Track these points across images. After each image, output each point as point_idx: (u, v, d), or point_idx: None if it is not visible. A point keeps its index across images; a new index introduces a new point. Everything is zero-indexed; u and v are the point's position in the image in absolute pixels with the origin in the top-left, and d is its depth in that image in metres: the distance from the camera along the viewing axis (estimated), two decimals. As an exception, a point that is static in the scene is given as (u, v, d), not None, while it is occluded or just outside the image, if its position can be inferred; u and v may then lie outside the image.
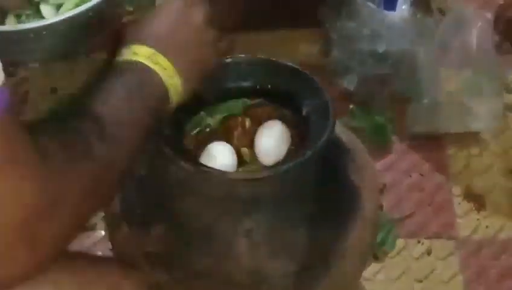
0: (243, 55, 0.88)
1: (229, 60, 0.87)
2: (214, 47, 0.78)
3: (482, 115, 1.14)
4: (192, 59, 0.75)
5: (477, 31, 1.16)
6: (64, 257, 0.59)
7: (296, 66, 0.86)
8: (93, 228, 1.08)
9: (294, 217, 0.80)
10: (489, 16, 1.20)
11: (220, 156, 0.82)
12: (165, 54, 0.71)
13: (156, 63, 0.70)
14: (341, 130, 0.89)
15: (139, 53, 0.70)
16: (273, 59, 0.88)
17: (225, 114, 0.86)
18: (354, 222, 0.82)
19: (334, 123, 0.79)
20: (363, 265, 0.89)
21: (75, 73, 1.28)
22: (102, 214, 1.00)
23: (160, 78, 0.70)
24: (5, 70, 1.25)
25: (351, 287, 0.89)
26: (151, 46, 0.71)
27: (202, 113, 0.86)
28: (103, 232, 1.07)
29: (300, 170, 0.77)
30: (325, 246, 0.80)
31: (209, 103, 0.87)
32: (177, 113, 0.81)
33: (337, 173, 0.85)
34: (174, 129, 0.81)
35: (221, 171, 0.78)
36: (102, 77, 0.70)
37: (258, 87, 0.87)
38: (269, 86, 0.87)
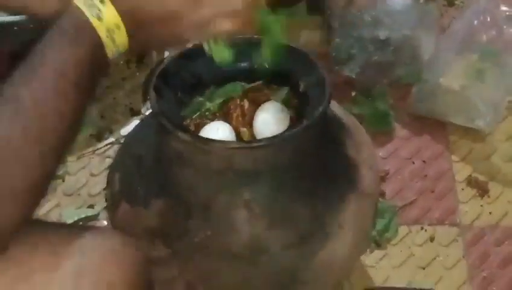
0: (238, 37, 0.88)
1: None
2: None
3: (483, 110, 1.13)
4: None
5: (483, 15, 1.15)
6: (60, 226, 0.58)
7: (293, 45, 0.86)
8: (95, 219, 1.08)
9: (293, 188, 0.80)
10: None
11: (219, 132, 0.82)
12: None
13: (91, 6, 0.61)
14: (340, 112, 0.89)
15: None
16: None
17: (224, 98, 0.86)
18: (351, 194, 0.82)
19: (330, 97, 0.79)
20: (363, 239, 0.89)
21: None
22: (104, 204, 1.01)
23: (88, 22, 0.61)
24: (6, 61, 1.25)
25: (351, 261, 0.89)
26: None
27: (201, 98, 0.86)
28: (105, 223, 1.07)
29: (298, 140, 0.77)
30: (323, 217, 0.80)
31: (207, 86, 0.87)
32: (176, 95, 0.82)
33: (335, 148, 0.85)
34: (174, 108, 0.81)
35: (220, 141, 0.78)
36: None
37: (255, 67, 0.87)
38: (266, 66, 0.87)
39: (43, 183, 0.58)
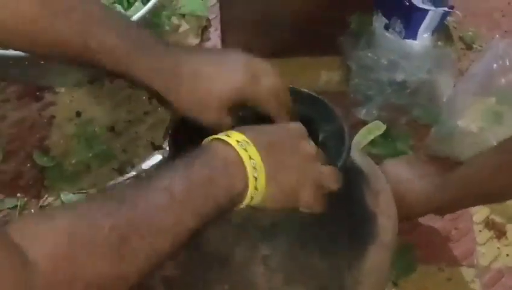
0: None
1: None
2: (318, 184, 0.72)
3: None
4: (285, 169, 0.69)
5: (502, 59, 1.17)
6: None
7: (312, 92, 0.87)
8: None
9: (311, 243, 0.80)
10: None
11: None
12: (258, 149, 0.66)
13: (245, 149, 0.65)
14: (357, 155, 0.90)
15: (232, 136, 0.66)
16: (289, 85, 0.89)
17: None
18: (370, 247, 0.82)
19: (350, 148, 0.80)
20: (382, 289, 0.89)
21: (99, 98, 1.30)
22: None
23: (242, 165, 0.65)
24: (32, 94, 1.28)
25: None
26: (248, 138, 0.66)
27: None
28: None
29: None
30: (341, 272, 0.80)
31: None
32: (194, 142, 0.83)
33: (352, 198, 0.85)
34: None
35: None
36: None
37: None
38: None
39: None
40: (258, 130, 0.70)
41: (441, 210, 1.03)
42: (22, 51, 0.84)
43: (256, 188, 0.66)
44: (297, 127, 0.73)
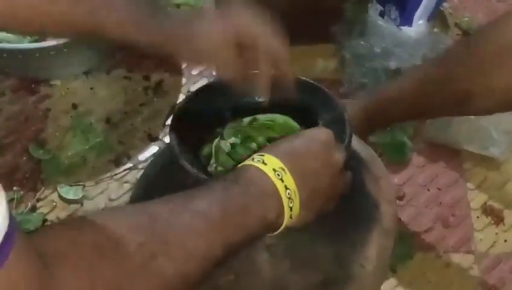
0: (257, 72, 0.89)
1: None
2: (340, 193, 0.74)
3: (499, 140, 1.13)
4: (318, 193, 0.70)
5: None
6: None
7: (310, 80, 0.87)
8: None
9: (315, 229, 0.80)
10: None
11: None
12: (293, 176, 0.65)
13: (281, 179, 0.65)
14: (356, 144, 0.90)
15: (268, 163, 0.65)
16: None
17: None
18: (373, 232, 0.83)
19: (351, 137, 0.80)
20: (383, 275, 0.89)
21: (95, 90, 1.30)
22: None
23: (278, 196, 0.64)
24: (27, 87, 1.28)
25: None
26: (283, 163, 0.66)
27: (219, 130, 0.87)
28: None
29: None
30: (346, 257, 0.81)
31: (225, 121, 0.88)
32: (195, 131, 0.82)
33: (355, 185, 0.85)
34: (194, 145, 0.82)
35: None
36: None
37: (273, 102, 0.88)
38: (283, 101, 0.87)
39: None
40: (292, 152, 0.68)
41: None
42: (30, 33, 0.85)
43: (290, 217, 0.66)
44: (327, 137, 0.72)
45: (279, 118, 0.85)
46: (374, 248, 0.82)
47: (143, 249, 0.55)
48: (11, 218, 0.48)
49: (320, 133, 0.72)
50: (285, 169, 0.65)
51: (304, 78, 0.87)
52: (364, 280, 0.81)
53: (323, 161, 0.69)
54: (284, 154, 0.67)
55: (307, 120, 0.86)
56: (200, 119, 0.82)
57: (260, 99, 0.87)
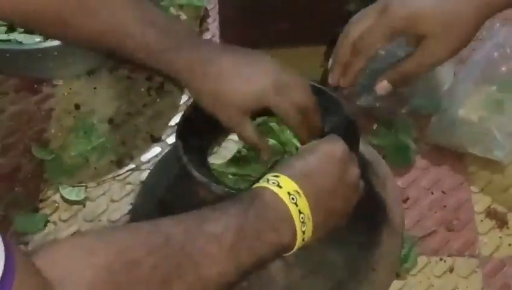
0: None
1: None
2: (353, 207, 0.73)
3: (503, 143, 1.12)
4: (332, 214, 0.70)
5: (502, 47, 1.16)
6: None
7: (315, 84, 0.86)
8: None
9: (327, 235, 0.80)
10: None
11: None
12: (308, 199, 0.66)
13: (295, 203, 0.65)
14: (362, 146, 0.90)
15: (283, 185, 0.65)
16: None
17: None
18: (383, 233, 0.83)
19: (359, 140, 0.80)
20: (393, 275, 0.89)
21: (98, 90, 1.29)
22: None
23: (292, 221, 0.64)
24: (30, 87, 1.28)
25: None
26: (298, 185, 0.66)
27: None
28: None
29: None
30: (357, 261, 0.81)
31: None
32: (200, 136, 0.82)
33: (364, 188, 0.85)
34: (199, 153, 0.81)
35: None
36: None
37: None
38: None
39: None
40: (307, 172, 0.68)
41: None
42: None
43: (303, 240, 0.66)
44: (343, 152, 0.71)
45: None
46: (384, 250, 0.83)
47: (157, 272, 0.54)
48: (9, 250, 0.44)
49: (336, 149, 0.71)
50: (300, 192, 0.65)
51: (310, 81, 0.86)
52: (375, 282, 0.82)
53: (339, 180, 0.69)
54: (299, 175, 0.67)
55: None
56: (205, 125, 0.81)
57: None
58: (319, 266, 0.80)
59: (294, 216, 0.64)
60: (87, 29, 0.78)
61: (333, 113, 0.84)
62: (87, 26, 0.77)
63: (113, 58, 0.86)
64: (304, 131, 0.78)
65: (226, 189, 0.76)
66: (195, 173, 0.76)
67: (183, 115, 0.83)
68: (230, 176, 0.83)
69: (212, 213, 0.62)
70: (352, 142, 0.78)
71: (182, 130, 0.81)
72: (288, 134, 0.87)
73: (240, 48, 0.79)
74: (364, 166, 0.88)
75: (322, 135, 0.85)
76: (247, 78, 0.75)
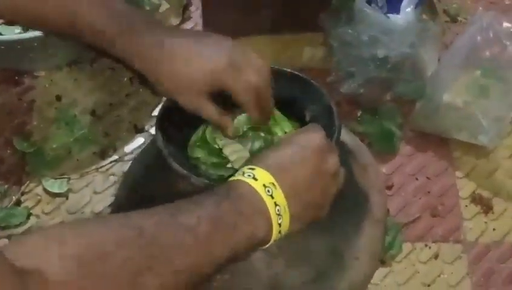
0: None
1: None
2: (332, 199, 0.72)
3: (488, 127, 1.12)
4: (309, 205, 0.68)
5: (486, 31, 1.15)
6: None
7: (295, 71, 0.85)
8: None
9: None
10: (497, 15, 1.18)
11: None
12: (284, 191, 0.65)
13: (271, 195, 0.64)
14: (343, 133, 0.89)
15: (259, 177, 0.64)
16: (272, 65, 0.87)
17: None
18: (364, 222, 0.82)
19: (340, 128, 0.79)
20: (376, 264, 0.89)
21: (79, 81, 1.28)
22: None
23: (267, 213, 0.63)
24: (11, 79, 1.26)
25: (365, 285, 0.89)
26: (274, 177, 0.65)
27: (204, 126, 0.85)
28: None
29: None
30: (339, 250, 0.80)
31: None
32: (180, 128, 0.81)
33: (344, 176, 0.85)
34: (179, 145, 0.80)
35: None
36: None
37: None
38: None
39: None
40: (283, 164, 0.67)
41: None
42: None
43: (279, 232, 0.65)
44: (320, 141, 0.70)
45: None
46: (366, 239, 0.82)
47: (129, 264, 0.54)
48: None
49: (313, 138, 0.70)
50: (276, 184, 0.64)
51: (290, 69, 0.86)
52: (358, 271, 0.81)
53: (316, 170, 0.68)
54: (275, 167, 0.66)
55: (294, 112, 0.85)
56: (185, 115, 0.80)
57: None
58: (301, 256, 0.79)
59: (269, 208, 0.63)
60: (39, 12, 0.77)
61: (314, 102, 0.83)
62: (39, 8, 0.76)
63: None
64: (255, 111, 0.76)
65: (206, 181, 0.75)
66: (175, 165, 0.75)
67: (162, 106, 0.82)
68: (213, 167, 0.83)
69: (187, 205, 0.61)
70: (333, 131, 0.77)
71: (161, 122, 0.80)
72: (280, 122, 0.86)
73: (194, 30, 0.78)
74: (346, 154, 0.87)
75: (303, 123, 0.84)
76: (201, 58, 0.74)
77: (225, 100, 0.79)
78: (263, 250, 0.76)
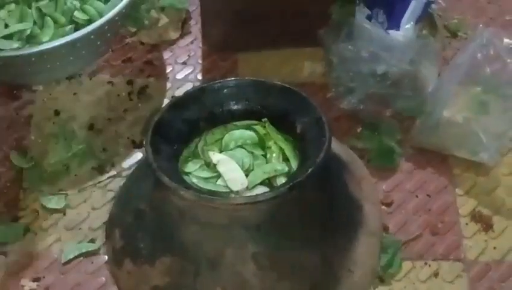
0: (230, 79, 0.88)
1: (216, 85, 0.87)
2: None
3: (488, 144, 1.12)
4: None
5: (486, 48, 1.15)
6: None
7: (285, 84, 0.86)
8: (96, 253, 1.07)
9: (300, 237, 0.79)
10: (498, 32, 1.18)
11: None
12: None
13: None
14: (335, 143, 0.89)
15: None
16: (261, 79, 0.87)
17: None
18: (359, 234, 0.82)
19: (331, 139, 0.79)
20: (371, 278, 0.88)
21: (78, 95, 1.28)
22: (104, 239, 1.00)
23: None
24: (9, 93, 1.26)
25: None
26: None
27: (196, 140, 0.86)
28: (106, 257, 1.06)
29: (301, 189, 0.76)
30: (333, 262, 0.80)
31: (201, 130, 0.87)
32: (173, 146, 0.81)
33: (337, 188, 0.85)
34: (171, 162, 0.81)
35: (224, 196, 0.78)
36: None
37: (249, 108, 0.87)
38: (259, 107, 0.87)
39: None
40: None
41: None
42: None
43: None
44: None
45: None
46: (361, 251, 0.82)
47: None
48: None
49: None
50: None
51: (280, 82, 0.86)
52: (352, 284, 0.81)
53: None
54: None
55: (284, 125, 0.86)
56: (175, 131, 0.81)
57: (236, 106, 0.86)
58: (294, 268, 0.79)
59: None
60: None
61: (305, 114, 0.84)
62: None
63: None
64: None
65: (196, 193, 0.75)
66: (164, 179, 0.75)
67: (153, 121, 0.83)
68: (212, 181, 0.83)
69: None
70: (323, 141, 0.78)
71: (153, 136, 0.80)
72: (273, 136, 0.86)
73: None
74: (338, 166, 0.87)
75: (294, 136, 0.85)
76: None
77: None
78: (255, 263, 0.76)
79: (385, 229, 1.07)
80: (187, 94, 0.87)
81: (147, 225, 0.82)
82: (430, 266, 1.07)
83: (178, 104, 0.85)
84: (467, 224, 1.11)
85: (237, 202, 0.76)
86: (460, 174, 1.17)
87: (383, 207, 1.10)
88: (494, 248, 1.09)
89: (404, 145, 1.19)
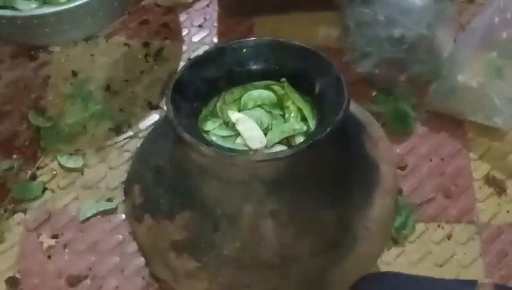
0: (249, 39, 0.88)
1: (235, 44, 0.87)
2: None
3: (503, 109, 1.12)
4: None
5: (503, 12, 1.14)
6: None
7: (304, 44, 0.86)
8: (113, 212, 1.09)
9: (318, 194, 0.80)
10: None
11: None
12: None
13: None
14: (354, 107, 0.89)
15: None
16: (280, 39, 0.87)
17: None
18: (375, 194, 0.83)
19: (349, 99, 0.79)
20: (387, 237, 0.89)
21: (95, 56, 1.28)
22: (122, 197, 1.02)
23: None
24: (26, 54, 1.27)
25: (375, 259, 0.90)
26: None
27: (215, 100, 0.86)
28: (123, 216, 1.08)
29: (320, 147, 0.76)
30: (350, 221, 0.81)
31: (220, 89, 0.87)
32: (192, 104, 0.82)
33: (354, 148, 0.85)
34: (190, 117, 0.81)
35: (244, 152, 0.79)
36: None
37: (267, 68, 0.87)
38: (277, 67, 0.87)
39: None
40: None
41: None
42: None
43: None
44: None
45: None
46: (377, 210, 0.83)
47: None
48: None
49: None
50: None
51: (298, 42, 0.86)
52: (369, 241, 0.82)
53: None
54: None
55: (303, 85, 0.86)
56: (195, 90, 0.81)
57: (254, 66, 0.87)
58: (311, 226, 0.79)
59: None
60: None
61: (323, 74, 0.84)
62: None
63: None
64: None
65: (216, 150, 0.76)
66: (185, 135, 0.76)
67: (174, 79, 0.83)
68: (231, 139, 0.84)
69: None
70: (342, 101, 0.78)
71: (173, 94, 0.81)
72: (292, 96, 0.87)
73: None
74: (356, 126, 0.88)
75: (312, 96, 0.85)
76: None
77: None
78: (273, 219, 0.77)
79: (399, 191, 1.08)
80: (206, 53, 0.87)
81: (166, 181, 0.83)
82: (443, 228, 1.08)
83: (198, 63, 0.85)
84: (480, 188, 1.12)
85: (257, 159, 0.77)
86: (475, 138, 1.17)
87: (398, 170, 1.11)
88: (507, 211, 1.10)
89: (419, 109, 1.20)
